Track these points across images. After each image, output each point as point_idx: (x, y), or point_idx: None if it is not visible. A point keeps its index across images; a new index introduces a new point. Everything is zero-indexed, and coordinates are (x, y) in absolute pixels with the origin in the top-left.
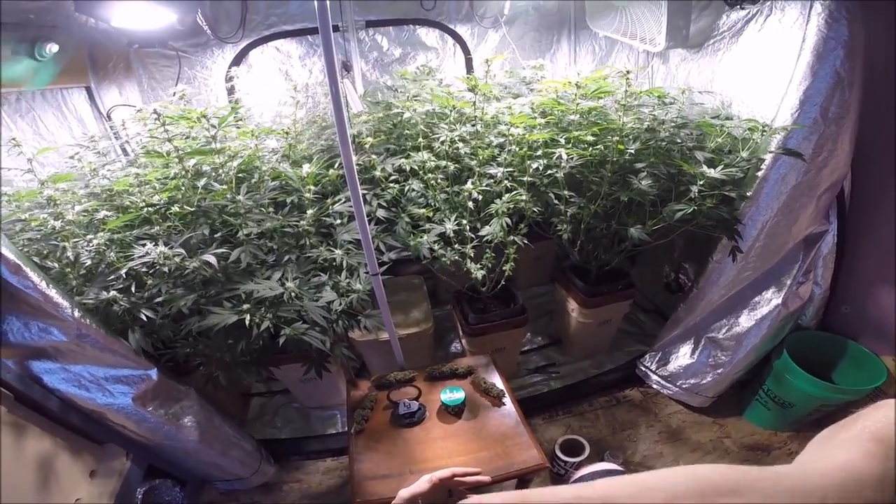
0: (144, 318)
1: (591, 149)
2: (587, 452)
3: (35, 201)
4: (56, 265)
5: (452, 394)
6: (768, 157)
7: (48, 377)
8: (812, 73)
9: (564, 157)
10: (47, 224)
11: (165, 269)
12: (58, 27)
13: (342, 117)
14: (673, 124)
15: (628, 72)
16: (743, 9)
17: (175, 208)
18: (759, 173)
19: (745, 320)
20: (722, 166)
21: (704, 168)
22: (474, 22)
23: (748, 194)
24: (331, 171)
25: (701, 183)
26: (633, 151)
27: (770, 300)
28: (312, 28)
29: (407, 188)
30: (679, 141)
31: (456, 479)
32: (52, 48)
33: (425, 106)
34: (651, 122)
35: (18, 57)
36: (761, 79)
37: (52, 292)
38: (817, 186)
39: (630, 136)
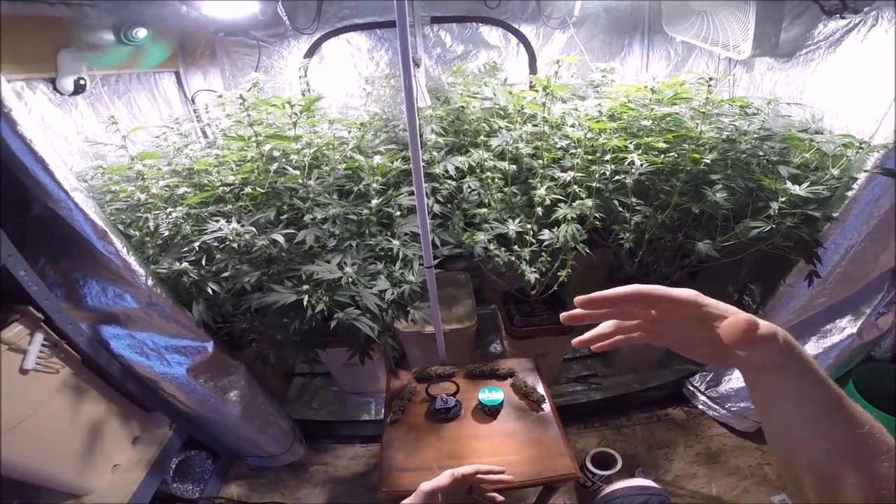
0: (210, 292)
1: (662, 156)
2: (619, 467)
3: (124, 175)
4: (137, 234)
5: (491, 394)
6: (862, 177)
7: (115, 342)
8: None
9: (637, 162)
10: (133, 196)
11: (235, 246)
12: (155, 14)
13: (413, 112)
14: (756, 136)
15: (711, 78)
16: (843, 18)
17: (248, 189)
18: (850, 193)
19: (812, 347)
20: (808, 183)
21: (788, 184)
22: (540, 22)
23: (834, 215)
24: (395, 163)
25: (783, 200)
26: (708, 162)
27: (844, 329)
28: (382, 22)
29: (465, 186)
30: (761, 154)
31: (479, 476)
32: (140, 32)
33: (485, 103)
34: (732, 133)
35: (105, 40)
36: (860, 92)
37: (132, 259)
38: None
39: (706, 146)
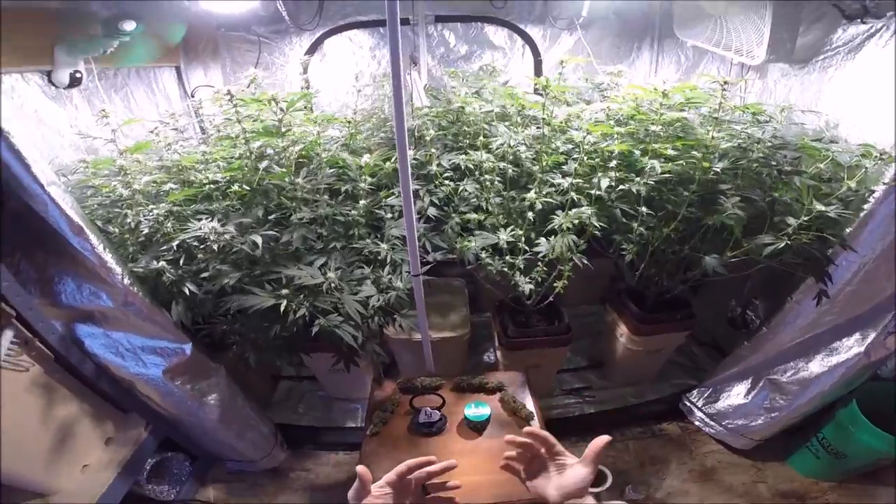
0: (187, 292)
1: (671, 164)
2: (608, 483)
3: (111, 169)
4: (116, 231)
5: (477, 409)
6: (879, 190)
7: (89, 341)
8: None
9: (658, 168)
10: (115, 191)
11: (215, 246)
12: (156, 8)
13: (401, 109)
14: (769, 144)
15: (726, 82)
16: (864, 23)
17: (235, 187)
18: (866, 207)
19: (817, 366)
20: (837, 205)
21: (815, 203)
22: (547, 23)
23: (848, 230)
24: (387, 163)
25: (807, 219)
26: (718, 171)
27: (850, 348)
28: (385, 20)
29: (461, 188)
30: (773, 163)
31: (418, 472)
32: (128, 25)
33: (486, 105)
34: (744, 141)
35: (99, 33)
36: (880, 101)
37: (108, 257)
38: None
39: (717, 154)
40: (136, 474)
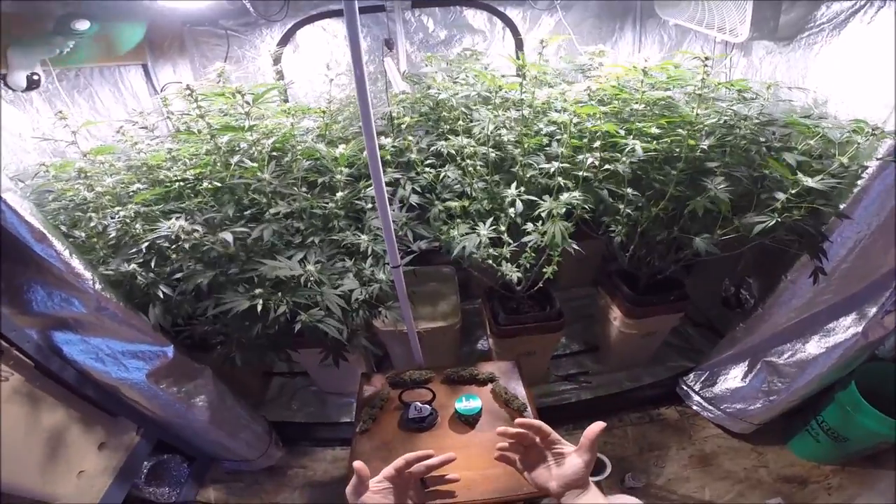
0: (161, 296)
1: (655, 143)
2: (608, 472)
3: (73, 172)
4: (84, 235)
5: (468, 402)
6: (872, 166)
7: (68, 348)
8: None
9: (639, 149)
10: (79, 194)
11: (187, 245)
12: (115, 5)
13: (365, 94)
14: (756, 121)
15: (707, 57)
16: None
17: (205, 184)
18: (859, 183)
19: (814, 347)
20: (822, 176)
21: (800, 176)
22: (527, 5)
23: (842, 206)
24: (363, 153)
25: (793, 192)
26: (705, 148)
27: (847, 328)
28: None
29: (442, 174)
30: (762, 140)
31: (416, 465)
32: (81, 25)
33: (465, 89)
34: (731, 118)
35: (54, 34)
36: (869, 77)
37: (75, 262)
38: None
39: (703, 131)
40: (132, 478)
